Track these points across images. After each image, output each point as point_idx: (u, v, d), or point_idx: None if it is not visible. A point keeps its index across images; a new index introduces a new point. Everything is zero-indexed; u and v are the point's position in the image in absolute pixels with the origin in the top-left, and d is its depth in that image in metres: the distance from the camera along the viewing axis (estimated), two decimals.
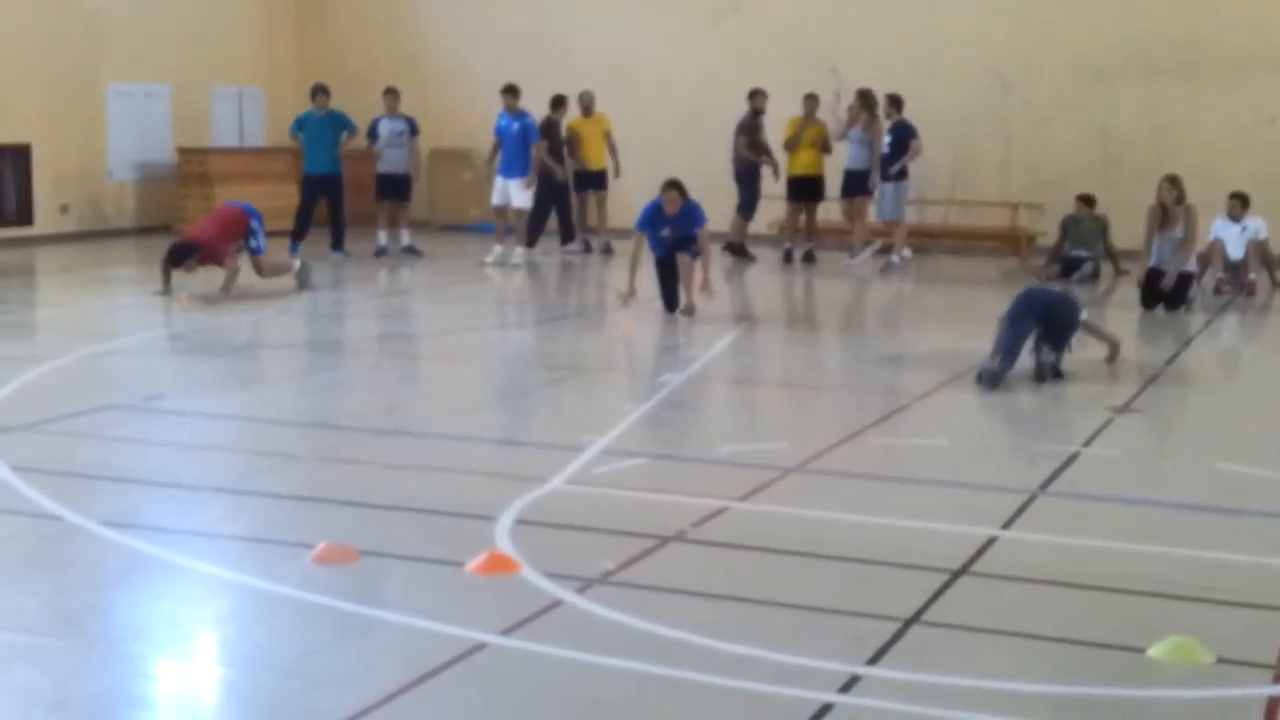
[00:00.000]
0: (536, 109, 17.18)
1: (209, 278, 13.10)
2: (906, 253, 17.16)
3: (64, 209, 18.63)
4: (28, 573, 5.52)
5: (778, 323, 13.21)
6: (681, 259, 12.28)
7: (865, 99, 16.95)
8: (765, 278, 16.32)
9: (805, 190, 17.31)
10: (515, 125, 16.58)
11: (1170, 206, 13.53)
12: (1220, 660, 4.70)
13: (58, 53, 18.34)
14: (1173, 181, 13.57)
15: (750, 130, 17.39)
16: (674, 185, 12.27)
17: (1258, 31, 17.46)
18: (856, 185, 17.03)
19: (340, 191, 17.12)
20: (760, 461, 7.27)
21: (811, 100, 17.35)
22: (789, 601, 5.19)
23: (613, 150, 17.80)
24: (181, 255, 12.82)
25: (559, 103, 17.74)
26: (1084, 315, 9.97)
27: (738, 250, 17.34)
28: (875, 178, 16.84)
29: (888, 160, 16.76)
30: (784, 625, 4.97)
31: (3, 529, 6.05)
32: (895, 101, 16.98)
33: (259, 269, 13.42)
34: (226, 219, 13.25)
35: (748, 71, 18.42)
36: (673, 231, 12.27)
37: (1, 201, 18.01)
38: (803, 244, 17.37)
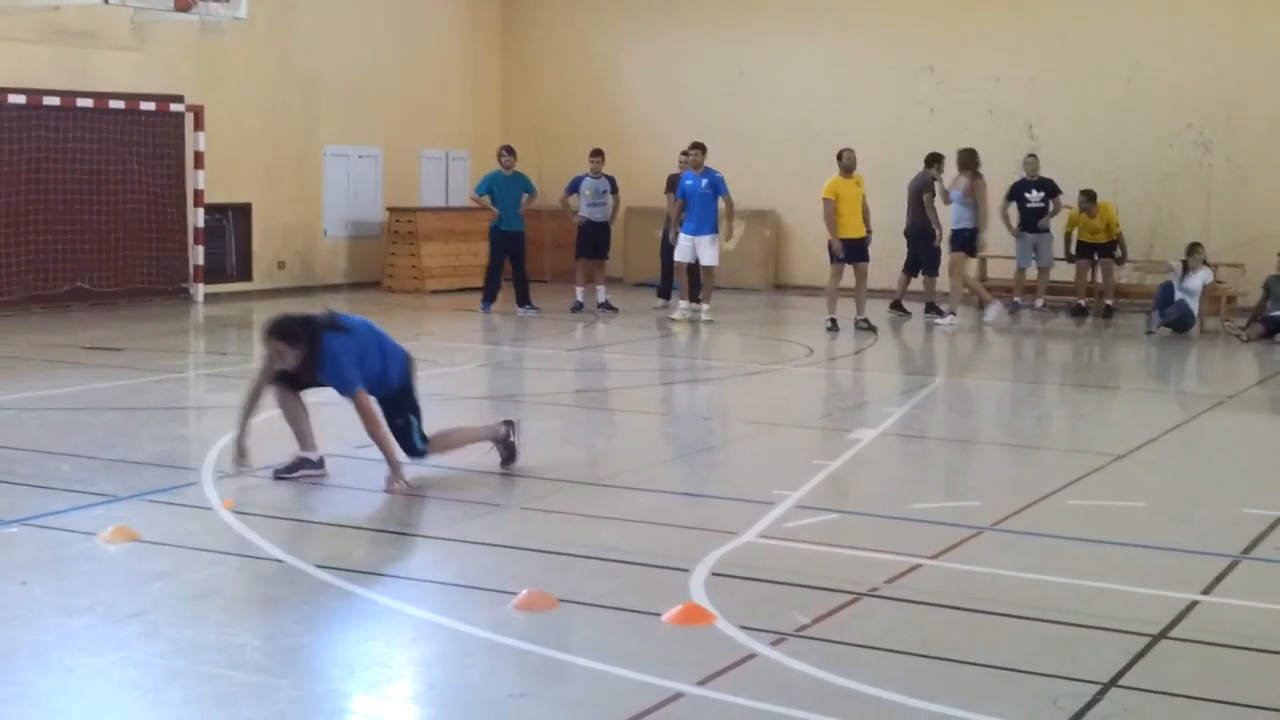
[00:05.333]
0: (734, 170, 17.33)
1: None
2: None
3: (281, 265, 19.51)
4: (249, 612, 5.84)
5: (967, 380, 13.10)
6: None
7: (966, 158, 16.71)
8: (948, 336, 16.18)
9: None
10: (703, 182, 16.76)
11: None
12: None
13: (278, 117, 19.29)
14: None
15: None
16: (272, 330, 7.86)
17: None
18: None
19: (524, 249, 17.59)
20: (953, 519, 7.25)
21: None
22: (984, 661, 5.19)
23: (865, 216, 16.27)
24: None
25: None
26: None
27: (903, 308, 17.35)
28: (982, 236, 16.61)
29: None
30: (979, 685, 4.97)
31: (226, 570, 6.39)
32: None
33: None
34: None
35: (941, 131, 18.39)
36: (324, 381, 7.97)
37: (224, 258, 18.95)
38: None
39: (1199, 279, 15.85)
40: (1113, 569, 6.42)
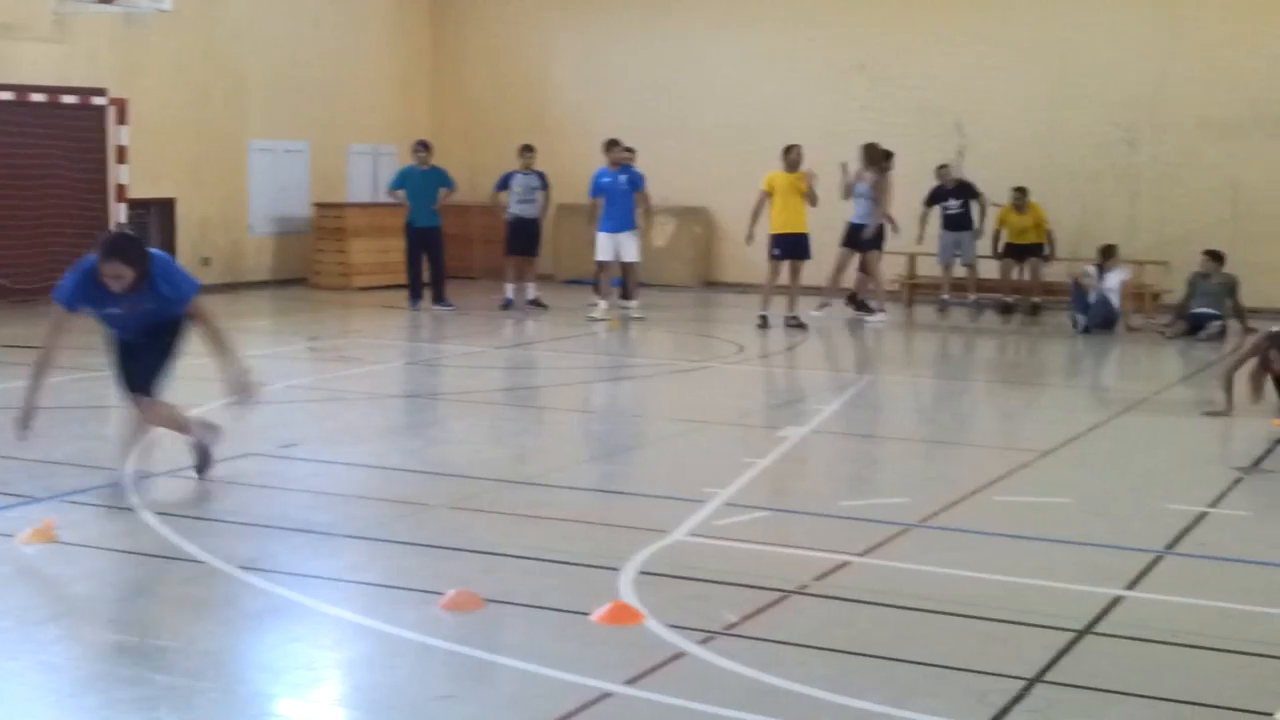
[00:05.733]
0: (666, 167, 17.26)
1: None
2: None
3: (205, 261, 19.25)
4: (171, 615, 5.75)
5: (895, 378, 13.18)
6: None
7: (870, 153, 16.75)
8: (877, 333, 16.28)
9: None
10: (621, 178, 16.72)
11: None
12: None
13: (203, 111, 19.04)
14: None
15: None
16: (115, 249, 7.30)
17: None
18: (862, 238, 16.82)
19: (440, 245, 17.47)
20: (881, 516, 7.29)
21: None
22: (911, 657, 5.21)
23: (811, 199, 16.08)
24: None
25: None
26: None
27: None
28: (871, 229, 16.63)
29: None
30: (907, 681, 4.99)
31: (147, 572, 6.30)
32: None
33: None
34: None
35: (872, 128, 18.49)
36: (130, 308, 7.48)
37: None
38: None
39: (1116, 277, 16.06)
40: (1039, 565, 6.47)
